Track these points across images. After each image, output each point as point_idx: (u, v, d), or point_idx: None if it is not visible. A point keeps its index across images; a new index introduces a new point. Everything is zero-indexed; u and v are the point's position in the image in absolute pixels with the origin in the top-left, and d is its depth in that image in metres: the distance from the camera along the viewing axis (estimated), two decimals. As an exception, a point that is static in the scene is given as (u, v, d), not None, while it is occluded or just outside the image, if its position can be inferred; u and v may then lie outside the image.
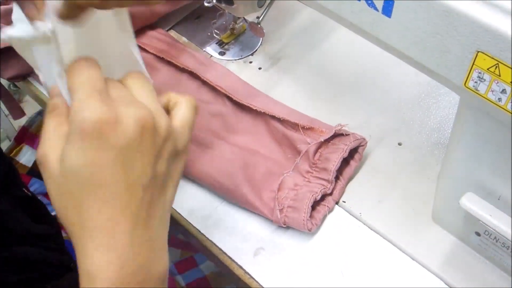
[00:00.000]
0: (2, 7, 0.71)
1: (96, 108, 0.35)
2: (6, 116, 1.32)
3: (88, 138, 0.35)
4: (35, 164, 0.84)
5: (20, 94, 1.73)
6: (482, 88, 0.41)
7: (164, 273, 0.39)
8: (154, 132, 0.38)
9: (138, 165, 0.37)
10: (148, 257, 0.38)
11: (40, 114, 0.94)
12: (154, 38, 0.76)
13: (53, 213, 0.73)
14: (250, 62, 0.76)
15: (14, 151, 0.87)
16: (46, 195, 0.80)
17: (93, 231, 0.36)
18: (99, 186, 0.36)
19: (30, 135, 0.90)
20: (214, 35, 0.78)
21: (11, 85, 1.71)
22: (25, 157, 0.86)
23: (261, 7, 0.70)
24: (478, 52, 0.39)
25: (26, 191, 0.70)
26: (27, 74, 0.75)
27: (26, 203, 0.60)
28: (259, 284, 0.57)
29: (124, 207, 0.36)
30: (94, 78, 0.37)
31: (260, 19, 0.70)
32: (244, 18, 0.78)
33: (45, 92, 0.73)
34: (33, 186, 0.82)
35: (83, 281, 0.36)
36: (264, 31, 0.70)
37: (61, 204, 0.37)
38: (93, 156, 0.35)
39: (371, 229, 0.60)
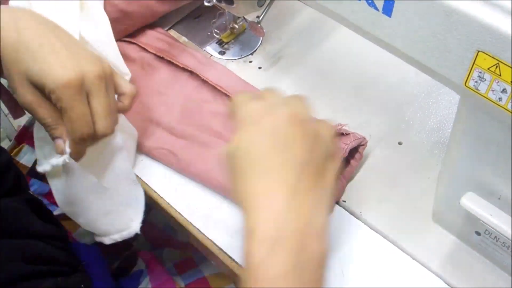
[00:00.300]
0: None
1: (253, 104, 0.47)
2: (6, 115, 1.31)
3: (248, 126, 0.45)
4: (34, 164, 0.84)
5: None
6: (482, 87, 0.41)
7: (319, 254, 0.42)
8: (304, 126, 0.45)
9: (291, 147, 0.43)
10: (303, 228, 0.41)
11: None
12: (154, 38, 0.76)
13: (55, 212, 0.73)
14: (250, 62, 0.76)
15: (14, 151, 0.87)
16: (45, 195, 0.79)
17: (253, 196, 0.43)
18: (257, 160, 0.43)
19: (30, 135, 0.89)
20: (214, 34, 0.78)
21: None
22: (25, 157, 0.86)
23: (261, 6, 0.69)
24: (479, 51, 0.39)
25: (32, 193, 0.70)
26: None
27: (34, 205, 0.61)
28: (259, 284, 0.57)
29: (280, 179, 0.42)
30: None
31: (260, 18, 0.70)
32: (244, 17, 0.78)
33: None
34: (33, 186, 0.82)
35: (246, 237, 0.41)
36: (264, 30, 0.70)
37: (232, 180, 0.45)
38: (251, 137, 0.44)
39: (372, 229, 0.60)
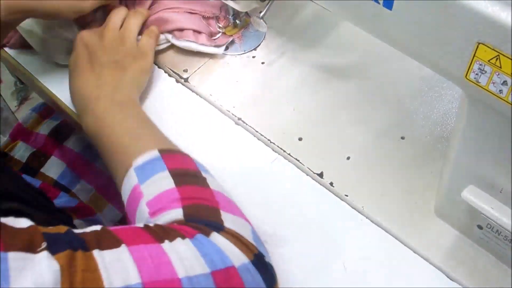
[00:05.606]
0: None
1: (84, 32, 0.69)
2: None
3: (77, 45, 0.68)
4: (28, 159, 0.85)
5: (27, 91, 1.74)
6: (483, 80, 0.41)
7: (121, 99, 0.64)
8: (108, 36, 0.68)
9: (97, 54, 0.66)
10: (106, 90, 0.64)
11: (35, 110, 0.93)
12: None
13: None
14: (253, 57, 0.76)
15: (9, 147, 0.87)
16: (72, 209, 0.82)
17: (74, 89, 0.66)
18: (76, 67, 0.66)
19: (25, 131, 0.90)
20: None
21: (18, 82, 1.72)
22: (19, 152, 0.86)
23: (263, 1, 0.69)
24: (479, 43, 0.39)
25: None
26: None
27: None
28: (262, 277, 0.57)
29: (89, 74, 0.65)
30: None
31: (263, 13, 0.70)
32: (247, 12, 0.78)
33: (49, 87, 0.75)
34: (61, 199, 0.83)
35: (79, 113, 0.65)
36: (267, 25, 0.70)
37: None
38: (75, 53, 0.67)
39: (374, 223, 0.60)
